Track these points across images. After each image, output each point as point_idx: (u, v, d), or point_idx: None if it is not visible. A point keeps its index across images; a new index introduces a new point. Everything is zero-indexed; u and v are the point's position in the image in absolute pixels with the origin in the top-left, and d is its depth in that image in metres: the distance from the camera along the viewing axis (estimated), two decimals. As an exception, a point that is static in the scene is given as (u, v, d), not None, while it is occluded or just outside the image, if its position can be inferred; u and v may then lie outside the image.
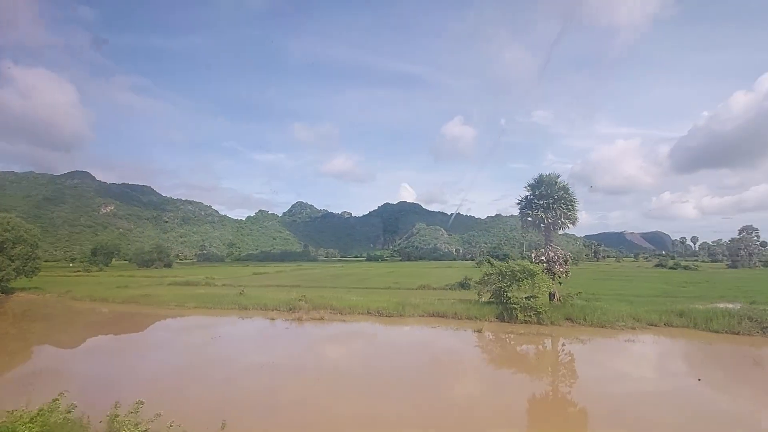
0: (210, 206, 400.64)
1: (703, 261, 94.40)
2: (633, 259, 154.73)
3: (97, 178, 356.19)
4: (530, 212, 26.19)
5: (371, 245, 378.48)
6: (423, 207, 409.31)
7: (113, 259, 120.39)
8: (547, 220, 25.41)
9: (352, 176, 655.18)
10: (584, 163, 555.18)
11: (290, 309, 25.35)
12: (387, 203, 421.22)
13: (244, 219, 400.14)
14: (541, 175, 26.24)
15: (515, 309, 22.44)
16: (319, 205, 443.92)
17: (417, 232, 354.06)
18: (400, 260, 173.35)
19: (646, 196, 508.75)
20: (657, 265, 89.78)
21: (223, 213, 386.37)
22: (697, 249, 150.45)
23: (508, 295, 22.99)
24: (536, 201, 25.98)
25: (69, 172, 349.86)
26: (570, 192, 25.27)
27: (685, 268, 76.23)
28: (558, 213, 25.11)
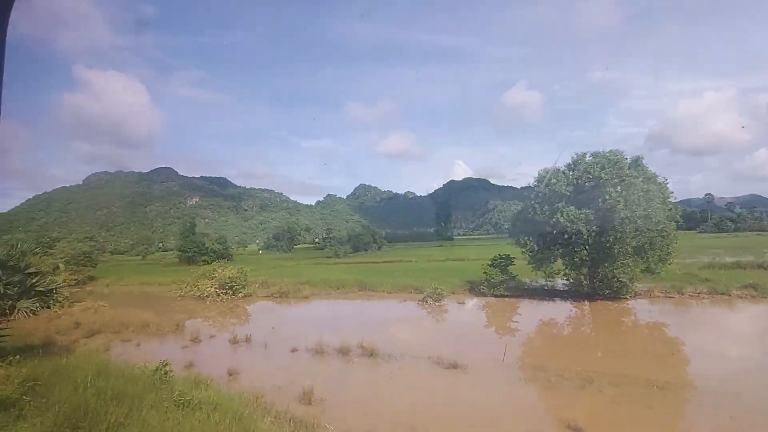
0: (281, 193, 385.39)
1: None
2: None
3: (179, 173, 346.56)
4: None
5: (442, 224, 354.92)
6: (490, 182, 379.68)
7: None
8: None
9: (408, 155, 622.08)
10: (663, 123, 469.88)
11: None
12: (452, 180, 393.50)
13: (314, 204, 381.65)
14: None
15: None
16: (381, 186, 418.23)
17: (493, 209, 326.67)
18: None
19: (737, 155, 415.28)
20: None
21: (294, 199, 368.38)
22: None
23: None
24: None
25: (155, 169, 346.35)
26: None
27: None
28: None
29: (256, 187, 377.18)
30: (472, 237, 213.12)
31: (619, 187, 21.56)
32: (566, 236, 22.70)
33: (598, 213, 21.97)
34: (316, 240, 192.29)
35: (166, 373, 11.69)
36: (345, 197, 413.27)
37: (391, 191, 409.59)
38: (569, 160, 25.35)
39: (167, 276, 46.27)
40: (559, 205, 22.95)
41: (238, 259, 73.63)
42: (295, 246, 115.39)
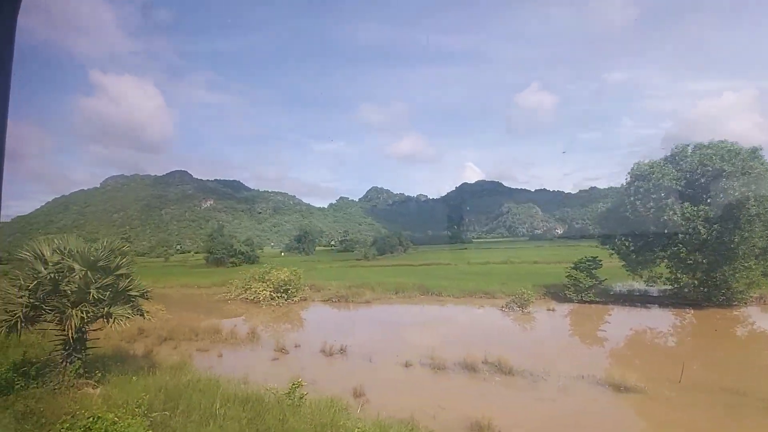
0: (294, 196, 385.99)
1: None
2: None
3: (194, 176, 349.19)
4: None
5: (455, 227, 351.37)
6: (503, 185, 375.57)
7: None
8: None
9: (420, 158, 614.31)
10: (680, 124, 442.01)
11: None
12: (464, 183, 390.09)
13: (326, 207, 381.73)
14: None
15: None
16: (393, 189, 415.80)
17: (507, 212, 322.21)
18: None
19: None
20: None
21: (306, 202, 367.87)
22: None
23: None
24: None
25: (170, 173, 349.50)
26: None
27: None
28: None
29: (269, 190, 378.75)
30: (488, 240, 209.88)
31: (742, 180, 19.00)
32: (680, 236, 20.17)
33: (717, 209, 19.45)
34: (332, 243, 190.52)
35: (302, 397, 9.57)
36: (357, 200, 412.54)
37: (403, 194, 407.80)
38: (668, 153, 22.87)
39: (203, 278, 44.56)
40: (668, 201, 20.45)
41: (262, 260, 71.93)
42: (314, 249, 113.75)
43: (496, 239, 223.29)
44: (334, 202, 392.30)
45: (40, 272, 10.94)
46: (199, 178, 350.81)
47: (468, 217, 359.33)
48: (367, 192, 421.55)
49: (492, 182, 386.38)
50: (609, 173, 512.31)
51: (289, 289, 29.20)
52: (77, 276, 10.93)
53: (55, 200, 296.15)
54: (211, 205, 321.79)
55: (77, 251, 11.18)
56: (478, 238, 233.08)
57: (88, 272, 11.23)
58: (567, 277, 25.07)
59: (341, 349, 15.78)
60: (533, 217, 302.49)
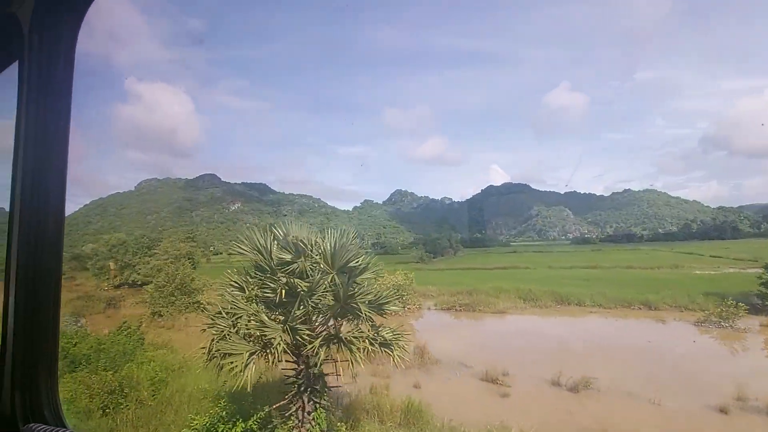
0: (319, 199, 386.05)
1: None
2: None
3: (222, 179, 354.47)
4: None
5: (483, 230, 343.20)
6: (532, 187, 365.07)
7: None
8: None
9: (444, 160, 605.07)
10: (719, 124, 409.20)
11: None
12: (491, 185, 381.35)
13: (351, 209, 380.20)
14: None
15: None
16: (417, 192, 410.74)
17: (537, 215, 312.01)
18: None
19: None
20: None
21: (330, 205, 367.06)
22: None
23: None
24: None
25: (200, 176, 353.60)
26: None
27: None
28: None
29: (294, 193, 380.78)
30: (524, 243, 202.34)
31: None
32: None
33: None
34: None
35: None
36: (381, 203, 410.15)
37: (427, 197, 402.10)
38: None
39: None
40: None
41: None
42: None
43: (527, 242, 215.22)
44: (358, 204, 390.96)
45: (277, 277, 7.39)
46: (227, 181, 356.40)
47: (495, 219, 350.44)
48: (391, 195, 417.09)
49: (519, 184, 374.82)
50: (642, 175, 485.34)
51: (404, 296, 25.45)
52: (334, 283, 7.33)
53: (93, 202, 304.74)
54: (238, 207, 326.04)
55: (330, 247, 7.55)
56: (512, 241, 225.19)
57: (335, 277, 7.62)
58: (762, 284, 20.42)
59: (585, 383, 11.75)
60: (565, 220, 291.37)
